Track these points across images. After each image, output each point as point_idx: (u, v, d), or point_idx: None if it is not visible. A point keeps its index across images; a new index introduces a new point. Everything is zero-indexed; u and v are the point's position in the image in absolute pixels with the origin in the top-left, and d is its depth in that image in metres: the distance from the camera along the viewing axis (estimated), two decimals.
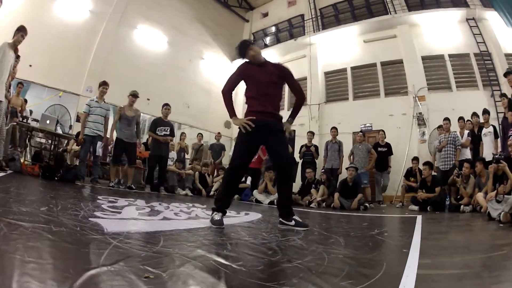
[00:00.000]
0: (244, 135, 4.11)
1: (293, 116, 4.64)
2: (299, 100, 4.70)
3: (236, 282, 1.75)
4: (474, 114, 10.12)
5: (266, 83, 4.19)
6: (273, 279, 1.85)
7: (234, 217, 5.22)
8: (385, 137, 11.90)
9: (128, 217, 3.78)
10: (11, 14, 10.89)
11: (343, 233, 4.32)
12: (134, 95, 8.95)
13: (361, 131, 13.09)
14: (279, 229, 4.14)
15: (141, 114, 9.40)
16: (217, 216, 3.91)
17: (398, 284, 1.84)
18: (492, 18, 13.19)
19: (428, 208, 8.52)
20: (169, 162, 10.68)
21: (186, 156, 13.25)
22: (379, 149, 11.73)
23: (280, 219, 4.26)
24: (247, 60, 4.33)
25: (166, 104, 9.56)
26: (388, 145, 11.81)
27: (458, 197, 8.62)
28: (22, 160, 8.42)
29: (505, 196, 5.62)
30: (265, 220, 5.27)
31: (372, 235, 4.25)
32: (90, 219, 3.19)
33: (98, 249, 2.10)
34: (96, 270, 1.66)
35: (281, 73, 4.34)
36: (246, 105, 4.33)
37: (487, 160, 8.22)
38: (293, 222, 4.11)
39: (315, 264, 2.32)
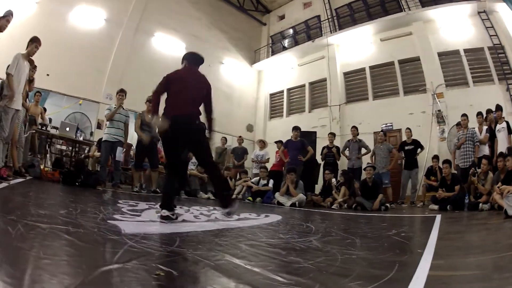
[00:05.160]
0: None
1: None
2: None
3: (245, 281, 1.80)
4: (490, 111, 9.94)
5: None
6: (282, 279, 1.86)
7: (253, 219, 5.30)
8: (411, 135, 11.67)
9: (147, 220, 3.87)
10: (23, 24, 10.89)
11: (361, 234, 4.35)
12: (150, 101, 8.90)
13: (382, 131, 13.01)
14: (297, 231, 4.21)
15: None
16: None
17: (407, 286, 1.85)
18: (502, 10, 12.88)
19: (448, 207, 8.41)
20: (192, 167, 10.67)
21: None
22: (406, 147, 11.52)
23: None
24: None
25: None
26: (415, 142, 11.54)
27: (478, 194, 8.47)
28: (42, 167, 8.55)
29: None
30: (284, 222, 5.30)
31: (389, 235, 4.26)
32: (108, 221, 3.29)
33: (113, 249, 2.22)
34: (109, 267, 1.75)
35: None
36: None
37: None
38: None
39: (326, 264, 2.37)
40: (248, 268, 2.08)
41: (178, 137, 4.25)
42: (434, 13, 14.34)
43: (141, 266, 1.84)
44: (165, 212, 3.90)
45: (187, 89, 4.44)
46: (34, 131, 8.73)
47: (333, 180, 10.86)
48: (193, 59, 4.87)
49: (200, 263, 2.07)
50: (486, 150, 9.53)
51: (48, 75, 11.64)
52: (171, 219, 3.90)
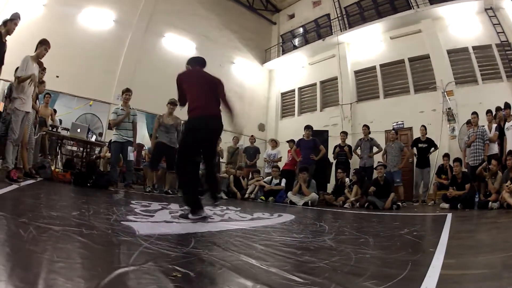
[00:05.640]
0: None
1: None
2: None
3: (262, 282, 1.80)
4: (499, 108, 9.86)
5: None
6: (299, 278, 1.88)
7: (267, 219, 5.30)
8: (426, 133, 11.55)
9: (161, 220, 3.86)
10: (31, 27, 10.89)
11: (373, 233, 4.38)
12: (172, 103, 8.89)
13: (393, 129, 12.84)
14: (311, 230, 4.25)
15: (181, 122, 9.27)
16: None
17: (420, 284, 1.88)
18: (508, 7, 12.77)
19: (458, 205, 8.37)
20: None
21: (221, 160, 13.00)
22: (420, 145, 11.41)
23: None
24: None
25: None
26: (428, 141, 11.44)
27: (487, 193, 8.47)
28: (53, 168, 8.53)
29: None
30: (298, 222, 5.31)
31: (401, 234, 4.29)
32: (122, 222, 3.27)
33: (128, 250, 2.21)
34: (125, 269, 1.74)
35: None
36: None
37: None
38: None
39: (341, 264, 2.41)
40: (264, 268, 2.10)
41: (202, 137, 4.58)
42: (442, 10, 14.26)
43: (158, 268, 1.84)
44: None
45: (195, 92, 4.65)
46: (44, 132, 8.75)
47: (346, 179, 10.83)
48: (196, 62, 5.09)
49: (216, 264, 2.08)
50: (495, 148, 9.47)
51: (57, 76, 11.70)
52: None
